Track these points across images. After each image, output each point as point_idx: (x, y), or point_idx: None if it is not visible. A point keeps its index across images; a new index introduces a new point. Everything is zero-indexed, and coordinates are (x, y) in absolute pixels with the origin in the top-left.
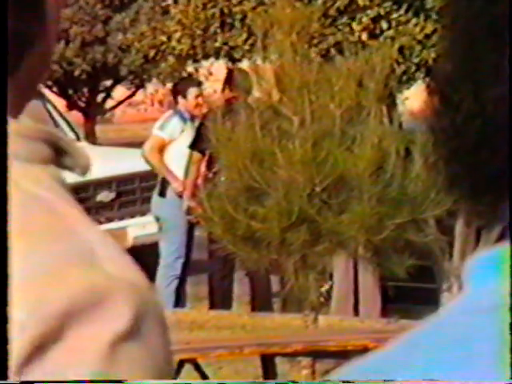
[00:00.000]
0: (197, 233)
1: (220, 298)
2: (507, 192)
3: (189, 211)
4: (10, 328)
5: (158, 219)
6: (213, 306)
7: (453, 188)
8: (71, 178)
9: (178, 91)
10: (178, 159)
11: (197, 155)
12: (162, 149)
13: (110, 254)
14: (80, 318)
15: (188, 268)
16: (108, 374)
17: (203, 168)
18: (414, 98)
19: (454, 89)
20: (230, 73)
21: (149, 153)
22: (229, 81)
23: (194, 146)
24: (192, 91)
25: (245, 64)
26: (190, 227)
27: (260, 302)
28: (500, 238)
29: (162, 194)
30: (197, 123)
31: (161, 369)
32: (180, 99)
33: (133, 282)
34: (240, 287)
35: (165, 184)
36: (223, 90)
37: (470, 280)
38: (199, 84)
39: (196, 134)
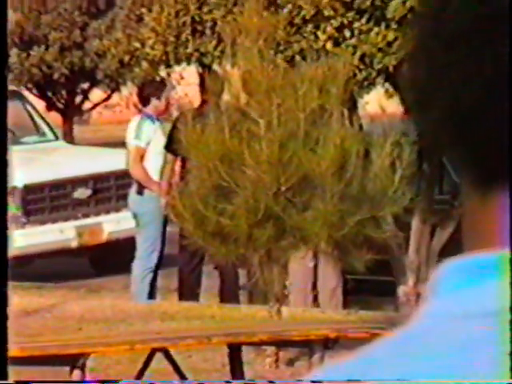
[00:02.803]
0: (168, 228)
1: (188, 291)
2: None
3: (166, 207)
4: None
5: (135, 216)
6: (181, 297)
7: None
8: (49, 175)
9: (144, 94)
10: (152, 160)
11: (170, 156)
12: (142, 157)
13: None
14: None
15: (161, 262)
16: None
17: (177, 167)
18: (373, 102)
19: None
20: (202, 75)
21: (133, 167)
22: (201, 83)
23: (169, 147)
24: (165, 94)
25: (214, 69)
26: (163, 223)
27: (228, 294)
28: (453, 235)
29: (140, 192)
30: (165, 124)
31: None
32: (153, 101)
33: None
34: (209, 280)
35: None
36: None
37: (443, 286)
38: (164, 86)
39: (169, 135)
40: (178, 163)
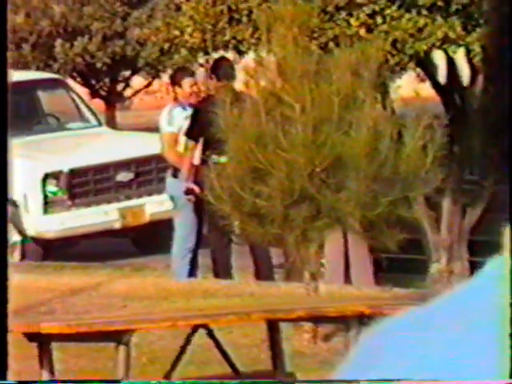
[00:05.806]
0: None
1: (223, 269)
2: None
3: (187, 191)
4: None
5: (172, 198)
6: (217, 276)
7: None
8: (92, 159)
9: (175, 81)
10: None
11: (191, 142)
12: (176, 142)
13: None
14: None
15: (200, 242)
16: None
17: (198, 152)
18: (405, 86)
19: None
20: (215, 62)
21: (167, 152)
22: (214, 70)
23: (190, 133)
24: (186, 81)
25: (251, 56)
26: (201, 205)
27: (263, 273)
28: (485, 213)
29: (175, 175)
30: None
31: None
32: (177, 89)
33: None
34: (242, 259)
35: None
36: (210, 78)
37: (503, 247)
38: (192, 74)
39: (191, 122)
40: (199, 149)
